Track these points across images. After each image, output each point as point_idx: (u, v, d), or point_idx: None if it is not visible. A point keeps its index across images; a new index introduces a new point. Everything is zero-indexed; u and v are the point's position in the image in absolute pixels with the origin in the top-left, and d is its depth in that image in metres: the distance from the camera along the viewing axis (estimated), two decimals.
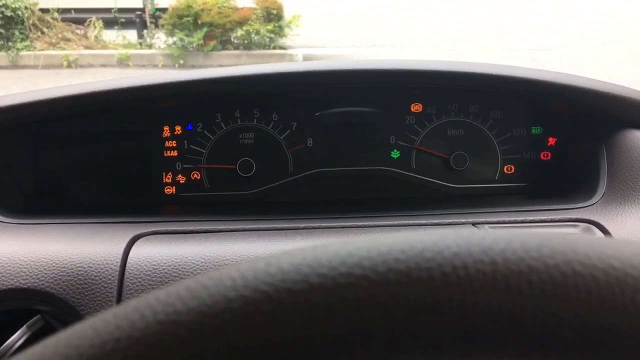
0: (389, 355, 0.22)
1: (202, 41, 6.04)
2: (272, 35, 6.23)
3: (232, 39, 6.28)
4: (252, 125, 0.92)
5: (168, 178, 0.92)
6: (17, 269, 0.61)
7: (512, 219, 0.74)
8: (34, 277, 0.61)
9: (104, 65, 5.98)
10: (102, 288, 0.61)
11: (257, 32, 6.15)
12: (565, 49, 6.11)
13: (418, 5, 8.07)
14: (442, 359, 0.23)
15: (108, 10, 6.69)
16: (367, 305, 0.22)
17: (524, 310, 0.22)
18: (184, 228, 0.71)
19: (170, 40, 6.28)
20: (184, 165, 0.92)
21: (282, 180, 0.92)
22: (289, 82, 0.85)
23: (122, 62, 6.01)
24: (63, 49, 6.20)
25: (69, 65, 5.90)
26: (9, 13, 6.13)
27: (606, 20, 7.16)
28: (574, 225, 0.73)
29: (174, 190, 0.92)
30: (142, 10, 6.71)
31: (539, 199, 0.87)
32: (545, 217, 0.74)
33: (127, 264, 0.63)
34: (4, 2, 6.10)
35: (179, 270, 0.62)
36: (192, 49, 6.13)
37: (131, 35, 6.69)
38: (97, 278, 0.61)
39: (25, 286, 0.60)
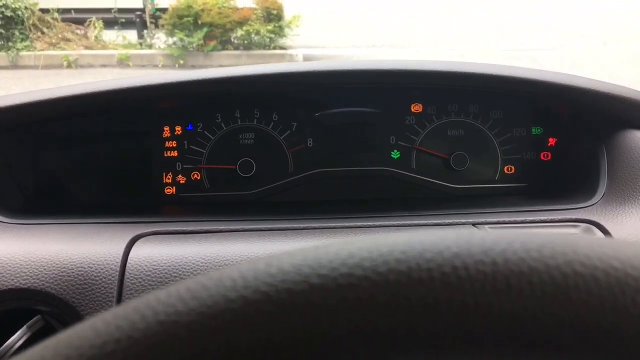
0: (389, 355, 0.22)
1: (202, 41, 6.04)
2: (272, 36, 6.23)
3: (232, 39, 6.27)
4: (252, 126, 0.92)
5: (168, 178, 0.92)
6: (17, 269, 0.61)
7: (512, 219, 0.74)
8: (34, 277, 0.60)
9: (104, 66, 5.98)
10: (102, 288, 0.61)
11: (257, 32, 6.15)
12: (565, 49, 6.11)
13: (418, 5, 8.07)
14: (442, 359, 0.23)
15: (108, 10, 6.69)
16: (367, 306, 0.22)
17: (525, 311, 0.22)
18: (184, 228, 0.71)
19: (170, 40, 6.28)
20: (184, 166, 0.92)
21: (282, 181, 0.92)
22: (289, 82, 0.85)
23: (122, 62, 6.01)
24: (63, 49, 6.20)
25: (69, 66, 5.90)
26: (9, 13, 6.13)
27: (606, 20, 7.16)
28: (574, 226, 0.73)
29: (174, 191, 0.92)
30: (142, 10, 6.71)
31: (539, 199, 0.87)
32: (546, 218, 0.74)
33: (127, 264, 0.63)
34: (4, 2, 6.10)
35: (179, 271, 0.62)
36: (192, 49, 6.13)
37: (131, 35, 6.69)
38: (97, 278, 0.61)
39: (26, 286, 0.60)
